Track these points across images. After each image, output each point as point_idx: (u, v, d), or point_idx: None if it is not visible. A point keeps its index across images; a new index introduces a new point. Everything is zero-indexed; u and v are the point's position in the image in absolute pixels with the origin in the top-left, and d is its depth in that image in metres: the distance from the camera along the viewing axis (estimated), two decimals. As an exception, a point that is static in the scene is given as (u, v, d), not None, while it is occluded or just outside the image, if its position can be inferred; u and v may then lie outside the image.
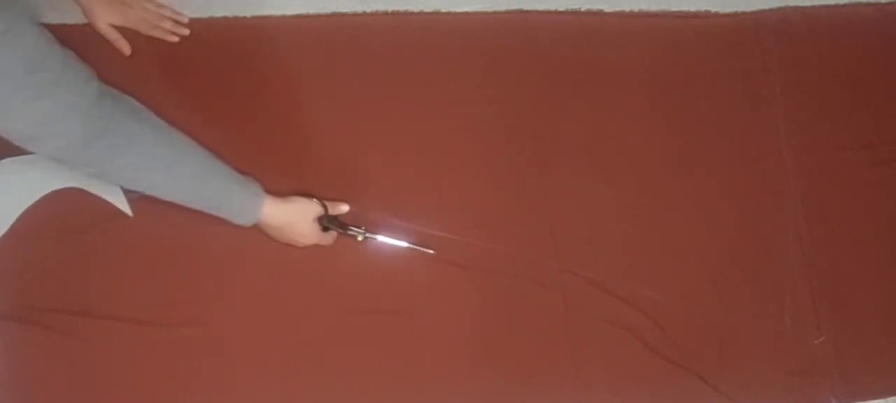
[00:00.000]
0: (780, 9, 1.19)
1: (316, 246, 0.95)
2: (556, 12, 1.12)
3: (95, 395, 0.92)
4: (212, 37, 1.03)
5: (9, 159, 0.95)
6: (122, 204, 0.97)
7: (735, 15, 1.18)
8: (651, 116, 1.11)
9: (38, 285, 0.93)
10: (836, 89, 1.17)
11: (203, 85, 1.02)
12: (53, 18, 1.00)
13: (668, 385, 1.03)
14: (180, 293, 0.96)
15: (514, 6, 1.11)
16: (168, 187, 0.81)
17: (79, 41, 0.99)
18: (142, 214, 0.97)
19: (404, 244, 0.99)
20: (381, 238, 0.98)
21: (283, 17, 1.05)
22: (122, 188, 0.96)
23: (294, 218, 0.92)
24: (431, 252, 0.99)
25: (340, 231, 0.97)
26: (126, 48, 0.99)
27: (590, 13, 1.14)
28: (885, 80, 1.19)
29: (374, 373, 0.98)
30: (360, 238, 0.97)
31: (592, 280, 1.04)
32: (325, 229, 0.95)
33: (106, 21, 0.98)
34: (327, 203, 0.96)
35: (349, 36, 1.06)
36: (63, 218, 0.95)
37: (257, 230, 0.92)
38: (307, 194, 0.94)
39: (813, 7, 1.20)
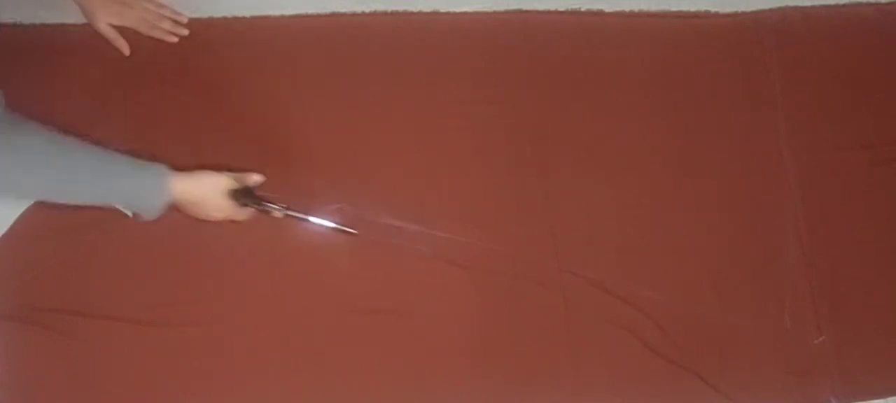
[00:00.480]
0: (780, 9, 1.19)
1: (232, 222, 0.93)
2: (556, 12, 1.12)
3: (95, 395, 0.92)
4: (212, 37, 1.03)
5: (9, 159, 0.95)
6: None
7: (735, 15, 1.18)
8: (651, 116, 1.11)
9: (38, 285, 0.93)
10: (836, 89, 1.17)
11: (203, 84, 1.02)
12: (51, 18, 1.00)
13: (668, 385, 1.03)
14: (180, 293, 0.96)
15: (513, 6, 1.11)
16: (61, 185, 0.80)
17: (77, 41, 1.00)
18: (142, 214, 0.97)
19: (327, 224, 0.95)
20: (301, 215, 0.94)
21: (283, 17, 1.05)
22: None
23: (204, 193, 0.89)
24: (354, 232, 0.95)
25: (257, 206, 0.92)
26: (125, 48, 0.99)
27: (590, 13, 1.14)
28: (885, 80, 1.19)
29: (374, 373, 0.98)
30: (278, 213, 0.93)
31: (592, 280, 1.04)
32: (244, 205, 0.92)
33: (105, 21, 0.98)
34: (238, 174, 0.92)
35: (349, 36, 1.06)
36: (63, 218, 0.95)
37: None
38: (218, 168, 0.91)
39: (813, 7, 1.20)
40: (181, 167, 0.89)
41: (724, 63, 1.15)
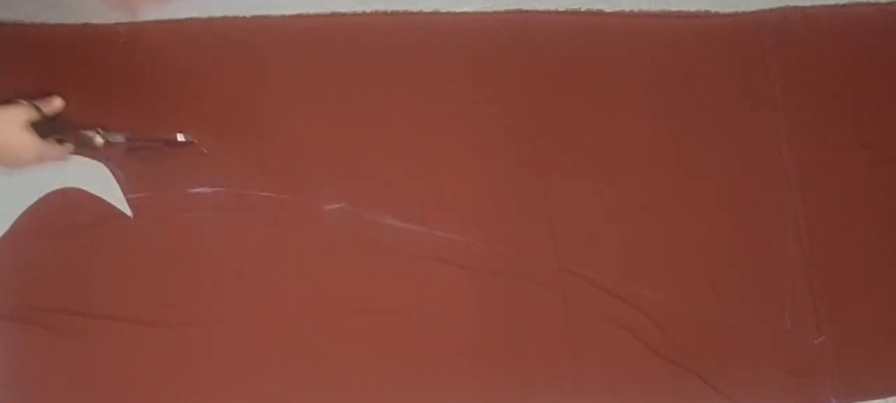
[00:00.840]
0: (780, 9, 1.19)
1: (44, 162, 0.82)
2: (556, 12, 1.12)
3: (95, 395, 0.93)
4: (211, 36, 1.03)
5: (9, 159, 0.95)
6: (122, 205, 0.97)
7: (735, 15, 1.17)
8: (651, 116, 1.11)
9: (38, 285, 0.93)
10: (836, 89, 1.17)
11: (202, 84, 1.02)
12: (51, 18, 1.00)
13: (668, 385, 1.03)
14: (180, 293, 0.96)
15: (513, 6, 1.11)
16: None
17: (77, 41, 1.00)
18: (142, 214, 0.97)
19: (151, 138, 0.88)
20: (121, 138, 0.86)
21: (283, 17, 1.05)
22: (121, 187, 0.96)
23: None
24: (185, 139, 0.88)
25: (66, 137, 0.81)
26: None
27: (590, 13, 1.13)
28: (885, 80, 1.19)
29: (374, 373, 0.98)
30: (98, 140, 0.83)
31: (592, 280, 1.04)
32: (46, 137, 0.80)
33: None
34: (37, 102, 0.81)
35: (349, 36, 1.06)
36: (63, 218, 0.95)
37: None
38: (10, 99, 0.80)
39: (813, 7, 1.19)
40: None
41: (724, 63, 1.15)
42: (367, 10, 1.08)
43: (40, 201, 0.95)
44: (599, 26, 1.13)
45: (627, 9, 1.14)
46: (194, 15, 1.03)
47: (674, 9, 1.16)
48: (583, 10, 1.13)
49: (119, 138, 0.86)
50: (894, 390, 1.08)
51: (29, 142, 0.79)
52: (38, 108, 0.81)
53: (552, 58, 1.11)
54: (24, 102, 0.79)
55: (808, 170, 1.13)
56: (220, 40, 1.03)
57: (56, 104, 0.84)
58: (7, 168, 0.80)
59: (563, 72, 1.11)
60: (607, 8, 1.14)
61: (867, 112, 1.17)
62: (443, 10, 1.09)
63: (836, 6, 1.20)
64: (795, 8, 1.19)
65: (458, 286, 1.01)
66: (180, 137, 0.89)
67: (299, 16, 1.05)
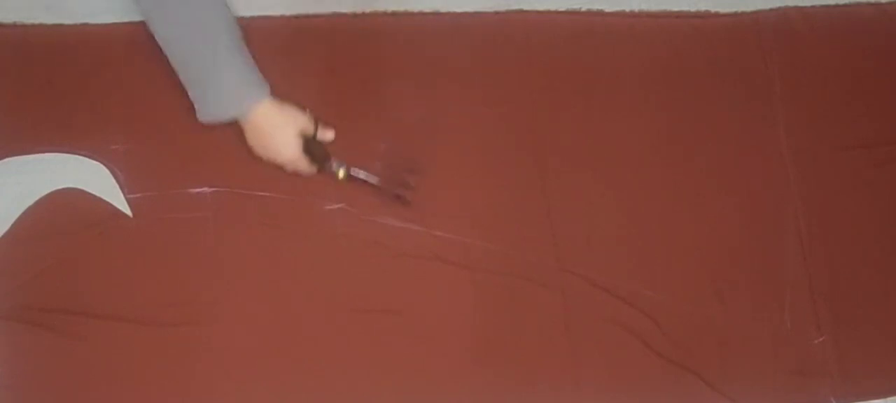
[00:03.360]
0: (780, 9, 1.19)
1: (291, 172, 0.90)
2: (556, 12, 1.12)
3: (95, 395, 0.92)
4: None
5: (8, 159, 0.96)
6: (122, 205, 0.97)
7: (735, 15, 1.17)
8: (651, 116, 1.11)
9: (38, 285, 0.93)
10: (836, 89, 1.17)
11: (203, 85, 1.02)
12: (51, 18, 1.00)
13: (668, 385, 1.03)
14: (180, 293, 0.96)
15: (513, 6, 1.11)
16: (170, 27, 0.77)
17: (77, 41, 1.00)
18: (142, 214, 0.97)
19: (385, 188, 0.95)
20: (363, 176, 0.94)
21: (283, 17, 1.05)
22: (121, 187, 0.97)
23: (280, 122, 0.86)
24: (408, 200, 0.96)
25: (322, 163, 0.91)
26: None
27: (590, 13, 1.13)
28: (885, 80, 1.19)
29: (374, 373, 0.98)
30: (340, 174, 0.92)
31: (592, 280, 1.04)
32: (307, 153, 0.90)
33: None
34: (318, 125, 0.92)
35: (349, 36, 1.06)
36: (63, 218, 0.95)
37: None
38: (303, 106, 0.89)
39: (813, 7, 1.19)
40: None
41: (724, 63, 1.15)
42: (368, 10, 1.08)
43: (40, 201, 0.95)
44: (599, 26, 1.13)
45: (627, 9, 1.14)
46: (194, 15, 1.03)
47: (674, 9, 1.16)
48: (583, 10, 1.13)
49: (361, 175, 0.93)
50: (894, 390, 1.08)
51: (294, 147, 0.87)
52: (315, 126, 0.89)
53: (552, 58, 1.11)
54: (309, 115, 0.87)
55: (808, 170, 1.13)
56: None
57: (329, 135, 0.93)
58: (257, 154, 0.87)
59: (564, 72, 1.11)
60: (607, 8, 1.14)
61: (867, 112, 1.17)
62: (443, 10, 1.09)
63: (836, 6, 1.20)
64: (795, 8, 1.19)
65: (458, 286, 1.01)
66: (406, 199, 0.97)
67: (299, 16, 1.06)
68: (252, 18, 1.04)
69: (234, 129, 0.93)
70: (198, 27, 0.78)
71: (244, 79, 0.82)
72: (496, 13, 1.11)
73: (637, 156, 1.10)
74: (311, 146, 0.90)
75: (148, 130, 0.99)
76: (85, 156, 0.97)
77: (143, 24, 1.01)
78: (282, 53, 1.04)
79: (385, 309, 0.99)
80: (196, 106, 0.88)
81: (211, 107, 0.83)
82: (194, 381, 0.94)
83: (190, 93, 0.87)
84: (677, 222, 1.08)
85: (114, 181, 0.97)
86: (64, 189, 0.96)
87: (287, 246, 0.97)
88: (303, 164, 0.90)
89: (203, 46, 0.79)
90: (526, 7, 1.12)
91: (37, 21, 1.00)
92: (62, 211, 0.95)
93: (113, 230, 0.96)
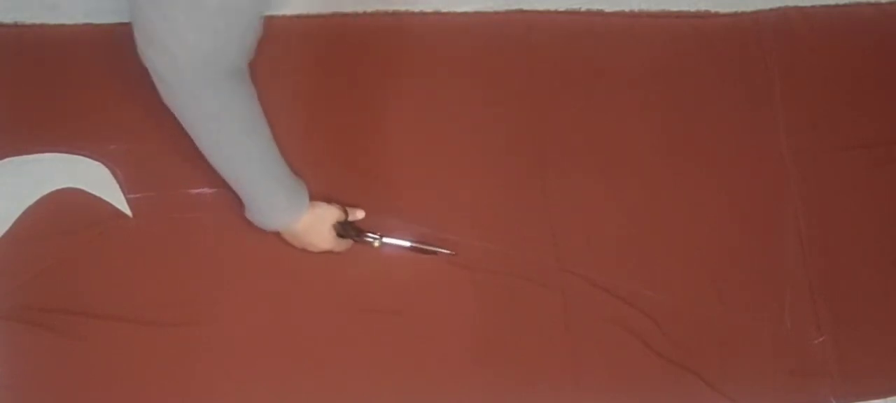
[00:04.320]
0: (780, 9, 1.19)
1: (328, 253, 0.95)
2: (557, 12, 1.12)
3: (95, 395, 0.92)
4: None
5: (8, 159, 0.95)
6: (122, 205, 0.97)
7: (735, 15, 1.18)
8: (651, 116, 1.11)
9: (38, 285, 0.93)
10: (836, 89, 1.17)
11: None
12: (51, 18, 1.00)
13: (668, 385, 1.03)
14: (180, 293, 0.96)
15: (514, 6, 1.11)
16: (224, 165, 0.80)
17: (77, 41, 1.00)
18: (142, 214, 0.97)
19: (420, 247, 0.99)
20: (397, 242, 0.98)
21: (283, 17, 1.05)
22: (121, 187, 0.97)
23: (313, 223, 0.91)
24: (449, 252, 0.99)
25: (356, 238, 0.96)
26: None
27: (590, 13, 1.13)
28: (885, 80, 1.19)
29: (374, 373, 0.98)
30: (376, 244, 0.97)
31: (592, 280, 1.04)
32: (341, 236, 0.95)
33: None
34: (346, 209, 0.96)
35: (349, 36, 1.06)
36: (63, 218, 0.95)
37: (262, 229, 0.91)
38: (328, 199, 0.94)
39: (813, 7, 1.20)
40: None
41: (724, 63, 1.15)
42: (368, 10, 1.08)
43: (40, 201, 0.95)
44: (599, 26, 1.13)
45: (627, 9, 1.15)
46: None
47: (674, 9, 1.16)
48: (583, 10, 1.13)
49: (394, 242, 0.98)
50: (894, 390, 1.08)
51: (329, 237, 0.93)
52: (345, 213, 0.94)
53: (552, 58, 1.11)
54: (338, 207, 0.94)
55: (808, 170, 1.13)
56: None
57: (359, 214, 0.98)
58: (297, 245, 0.93)
59: (563, 72, 1.11)
60: (607, 8, 1.14)
61: (867, 112, 1.17)
62: (443, 10, 1.09)
63: (836, 6, 1.20)
64: (795, 8, 1.19)
65: (458, 286, 1.01)
66: (445, 251, 1.00)
67: (299, 16, 1.06)
68: (252, 18, 1.05)
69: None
70: (242, 158, 0.81)
71: (285, 203, 0.87)
72: (496, 13, 1.11)
73: (637, 156, 1.10)
74: (344, 230, 0.95)
75: (148, 130, 0.99)
76: (85, 156, 0.97)
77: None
78: (282, 53, 1.04)
79: (385, 309, 0.99)
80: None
81: (256, 221, 0.89)
82: (194, 381, 0.94)
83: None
84: (677, 222, 1.08)
85: (114, 181, 0.97)
86: (64, 189, 0.96)
87: (287, 246, 0.96)
88: (339, 247, 0.95)
89: (248, 176, 0.83)
90: (526, 7, 1.12)
91: (37, 21, 1.00)
92: (62, 211, 0.95)
93: (113, 230, 0.96)
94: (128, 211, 0.97)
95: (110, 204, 0.96)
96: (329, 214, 0.92)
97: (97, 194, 0.96)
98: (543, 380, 1.01)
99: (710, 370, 1.04)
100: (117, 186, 0.96)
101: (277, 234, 0.92)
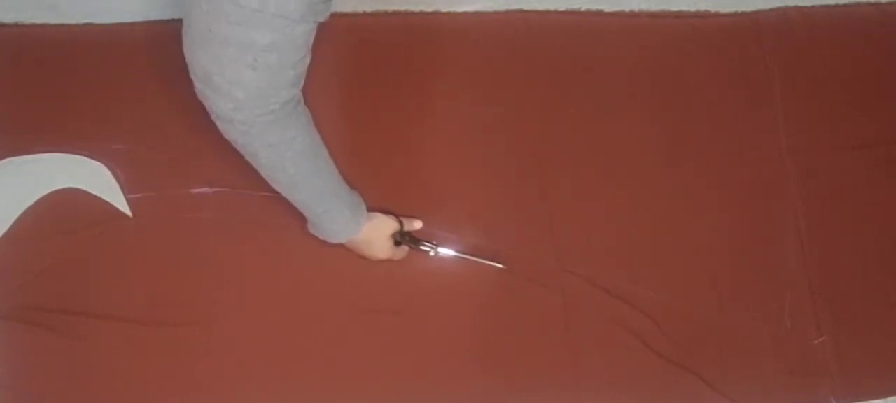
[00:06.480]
0: (780, 9, 1.19)
1: (388, 261, 0.97)
2: (556, 12, 1.12)
3: (95, 395, 0.92)
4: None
5: (8, 159, 0.96)
6: (122, 205, 0.97)
7: (735, 15, 1.18)
8: (651, 116, 1.11)
9: (38, 285, 0.93)
10: (836, 89, 1.17)
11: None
12: (51, 18, 1.00)
13: (668, 385, 1.03)
14: (180, 293, 0.96)
15: (514, 6, 1.11)
16: (288, 189, 0.82)
17: (78, 41, 1.00)
18: (142, 214, 0.97)
19: (474, 259, 0.99)
20: (452, 252, 0.99)
21: (283, 17, 1.05)
22: (121, 187, 0.97)
23: (372, 234, 0.93)
24: (501, 266, 1.00)
25: (413, 246, 0.98)
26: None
27: (590, 13, 1.14)
28: (885, 80, 1.19)
29: (374, 373, 0.98)
30: (431, 253, 0.98)
31: (592, 280, 1.04)
32: (398, 244, 0.97)
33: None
34: (403, 219, 0.97)
35: (350, 36, 1.06)
36: (63, 218, 0.95)
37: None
38: (385, 210, 0.96)
39: (813, 7, 1.20)
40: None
41: (724, 63, 1.15)
42: (368, 10, 1.08)
43: (40, 201, 0.95)
44: (599, 26, 1.13)
45: (627, 9, 1.15)
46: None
47: (674, 9, 1.16)
48: (583, 10, 1.13)
49: (449, 252, 0.99)
50: (894, 390, 1.08)
51: (387, 247, 0.96)
52: (401, 224, 0.97)
53: (552, 58, 1.11)
54: (394, 217, 0.96)
55: (808, 170, 1.13)
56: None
57: (416, 225, 1.00)
58: (358, 253, 0.96)
59: (563, 72, 1.11)
60: (607, 8, 1.14)
61: (867, 112, 1.17)
62: (443, 10, 1.09)
63: (836, 6, 1.20)
64: (795, 8, 1.19)
65: (458, 286, 1.01)
66: (497, 264, 1.00)
67: (299, 16, 1.05)
68: (252, 18, 1.04)
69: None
70: (305, 181, 0.82)
71: (349, 215, 0.89)
72: (496, 13, 1.11)
73: (637, 156, 1.10)
74: (402, 239, 0.97)
75: (148, 130, 0.99)
76: (85, 156, 0.97)
77: (143, 24, 1.02)
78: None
79: (385, 309, 0.99)
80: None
81: (321, 236, 0.92)
82: (194, 381, 0.94)
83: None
84: (677, 222, 1.08)
85: (114, 181, 0.97)
86: (64, 189, 0.96)
87: (287, 246, 0.97)
88: (397, 255, 0.98)
89: (313, 197, 0.85)
90: (526, 7, 1.12)
91: (37, 21, 1.00)
92: (62, 211, 0.95)
93: (113, 230, 0.96)
94: (128, 212, 0.97)
95: (110, 205, 0.96)
96: (386, 225, 0.95)
97: (97, 194, 0.96)
98: (543, 380, 1.01)
99: (710, 370, 1.04)
100: (117, 186, 0.96)
101: (341, 245, 0.94)
